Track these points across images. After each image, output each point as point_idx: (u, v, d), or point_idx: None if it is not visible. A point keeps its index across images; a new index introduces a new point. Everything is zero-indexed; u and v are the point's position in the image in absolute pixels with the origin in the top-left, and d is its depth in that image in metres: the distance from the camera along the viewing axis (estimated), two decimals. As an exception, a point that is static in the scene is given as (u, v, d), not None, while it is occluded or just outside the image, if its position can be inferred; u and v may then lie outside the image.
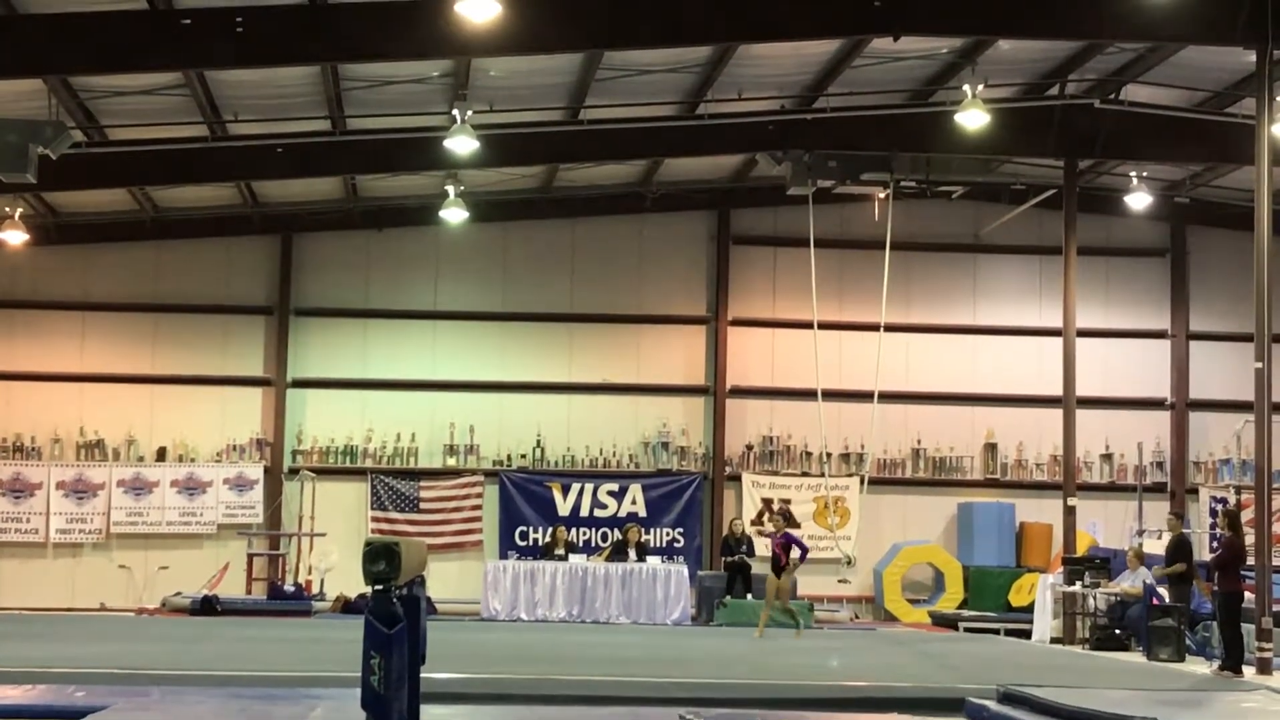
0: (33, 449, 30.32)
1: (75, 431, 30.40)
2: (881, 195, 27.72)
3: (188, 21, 19.33)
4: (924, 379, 31.45)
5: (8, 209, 27.44)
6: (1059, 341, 27.18)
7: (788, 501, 30.87)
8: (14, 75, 20.64)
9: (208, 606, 26.88)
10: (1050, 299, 29.90)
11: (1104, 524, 30.09)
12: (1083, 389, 27.32)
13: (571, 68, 23.30)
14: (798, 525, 28.68)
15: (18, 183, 22.02)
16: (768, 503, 30.86)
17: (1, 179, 21.29)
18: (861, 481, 29.88)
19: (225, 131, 24.95)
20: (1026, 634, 26.52)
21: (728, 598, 27.26)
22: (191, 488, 30.39)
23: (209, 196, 29.57)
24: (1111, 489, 31.22)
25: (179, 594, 28.39)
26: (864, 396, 28.68)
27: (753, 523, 29.24)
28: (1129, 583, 23.62)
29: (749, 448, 31.36)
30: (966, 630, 27.97)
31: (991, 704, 13.13)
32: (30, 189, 25.23)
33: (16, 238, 28.02)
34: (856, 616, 30.17)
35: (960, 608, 29.57)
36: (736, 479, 31.22)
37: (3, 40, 19.29)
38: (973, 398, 31.61)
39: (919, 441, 31.56)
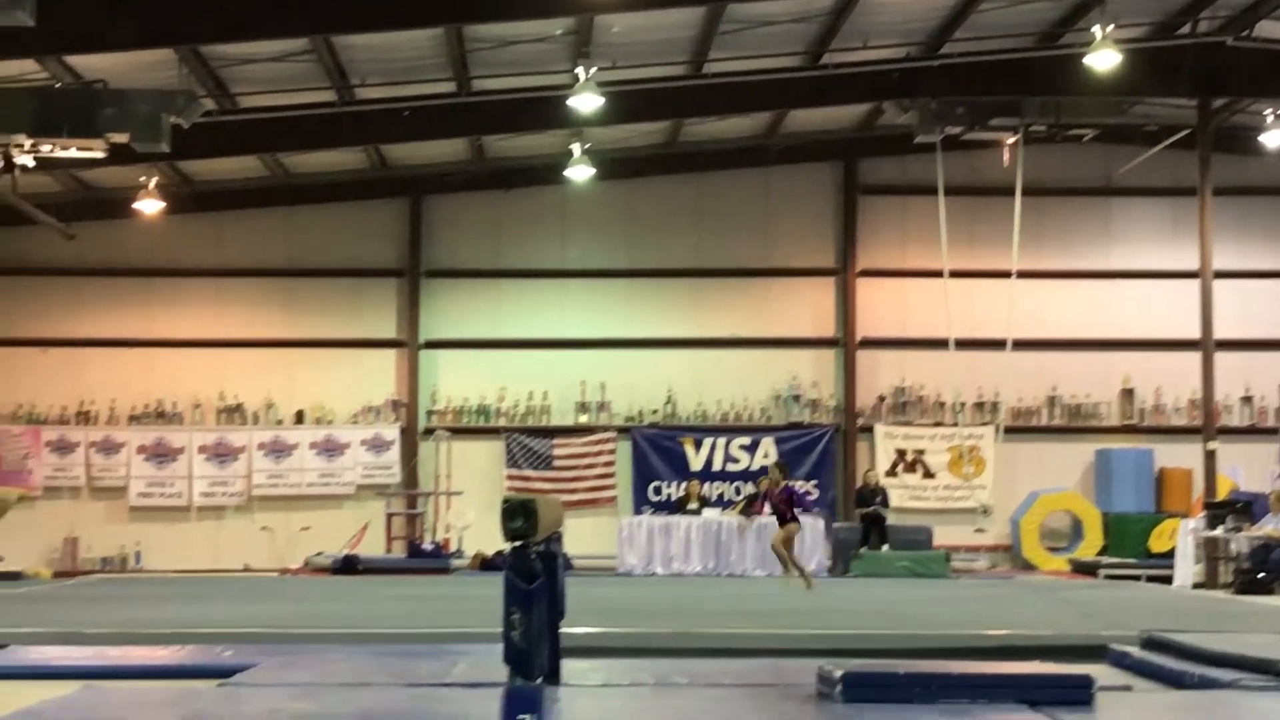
0: (174, 414, 30.85)
1: (215, 396, 30.90)
2: (1010, 140, 27.40)
3: (314, -13, 19.53)
4: (1058, 325, 31.12)
5: (143, 179, 27.85)
6: (1196, 284, 26.80)
7: (921, 452, 30.78)
8: (144, 46, 20.95)
9: (349, 566, 27.20)
10: (1186, 241, 29.37)
11: (1245, 468, 29.62)
12: (1221, 331, 26.90)
13: (694, 21, 23.24)
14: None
15: (152, 152, 22.30)
16: (901, 454, 30.80)
17: (136, 149, 21.58)
18: (996, 430, 29.70)
19: (353, 96, 25.16)
20: (1167, 580, 26.22)
21: (863, 549, 27.20)
22: (330, 449, 30.79)
23: (339, 161, 29.86)
24: (1252, 432, 30.74)
25: (320, 554, 28.74)
26: (997, 344, 28.43)
27: (749, 502, 27.40)
28: (1272, 526, 23.31)
29: (881, 399, 31.24)
30: (1106, 577, 27.70)
31: (1134, 650, 12.95)
32: (164, 158, 25.61)
33: (152, 207, 28.44)
34: (994, 566, 30.00)
35: (1100, 555, 29.32)
36: (869, 430, 31.11)
37: (133, 11, 19.57)
38: (1108, 343, 31.22)
39: (1054, 389, 31.24)
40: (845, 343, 31.25)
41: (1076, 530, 30.25)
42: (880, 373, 31.33)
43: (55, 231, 28.08)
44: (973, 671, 10.39)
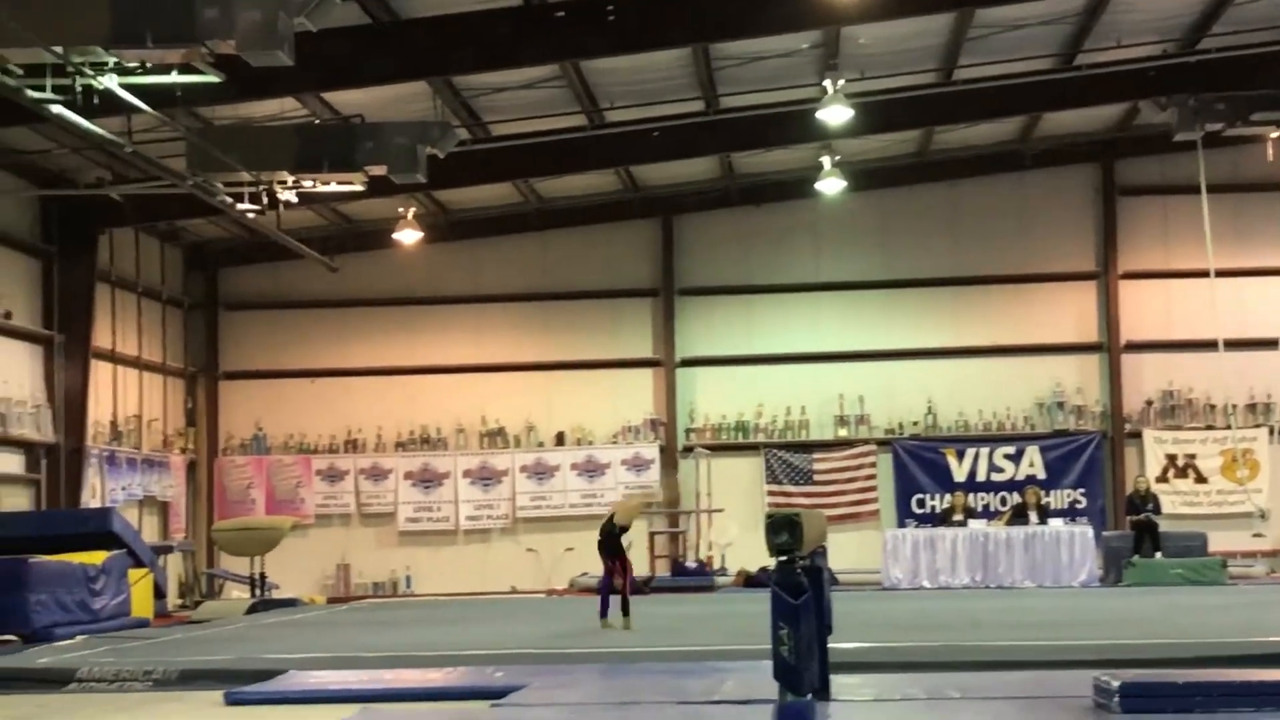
0: (439, 439, 31.41)
1: (477, 421, 31.36)
2: (1275, 135, 26.59)
3: (561, 14, 19.73)
4: (1332, 322, 30.10)
5: (401, 209, 28.41)
6: None
7: (1192, 456, 30.01)
8: (400, 79, 21.40)
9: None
10: None
11: None
12: None
13: (942, 28, 22.98)
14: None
15: (409, 184, 22.73)
16: (1172, 459, 30.06)
17: (394, 181, 22.01)
18: (1271, 432, 28.85)
19: (603, 119, 25.34)
20: None
21: (1135, 557, 26.58)
22: (590, 470, 31.06)
23: (590, 184, 30.14)
24: None
25: (585, 574, 28.93)
26: (1268, 344, 27.69)
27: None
28: None
29: (1148, 403, 30.51)
30: (1392, 581, 26.73)
31: None
32: (421, 189, 26.14)
33: (411, 236, 28.97)
34: (1273, 571, 29.09)
35: (1385, 558, 28.29)
36: (1137, 436, 30.40)
37: (387, 45, 19.99)
38: (1388, 337, 30.15)
39: (1330, 386, 30.23)
40: (1109, 347, 30.59)
41: (1359, 533, 29.24)
42: (1146, 376, 30.59)
43: (319, 264, 28.79)
44: (1256, 679, 10.09)
